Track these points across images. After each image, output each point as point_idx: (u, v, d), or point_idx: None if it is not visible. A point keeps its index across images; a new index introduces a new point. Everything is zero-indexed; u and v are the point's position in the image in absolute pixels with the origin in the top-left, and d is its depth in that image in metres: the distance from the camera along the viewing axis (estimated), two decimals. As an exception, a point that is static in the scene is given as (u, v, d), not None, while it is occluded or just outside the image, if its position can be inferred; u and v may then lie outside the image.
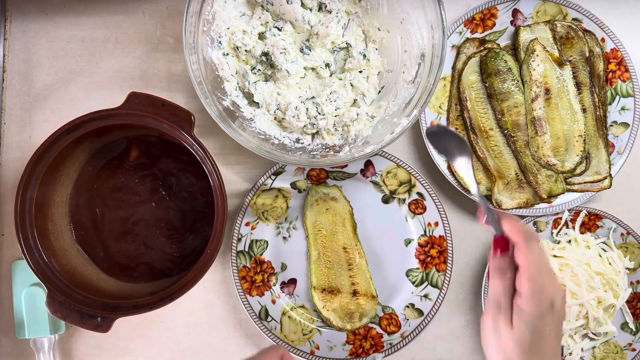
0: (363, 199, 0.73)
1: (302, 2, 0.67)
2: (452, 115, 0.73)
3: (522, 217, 0.72)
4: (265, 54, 0.68)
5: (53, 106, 0.74)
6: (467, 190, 0.71)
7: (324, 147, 0.69)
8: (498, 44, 0.74)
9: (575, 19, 0.74)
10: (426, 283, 0.72)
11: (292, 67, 0.67)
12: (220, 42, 0.66)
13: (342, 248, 0.72)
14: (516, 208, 0.72)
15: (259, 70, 0.68)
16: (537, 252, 0.47)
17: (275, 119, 0.70)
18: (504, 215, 0.50)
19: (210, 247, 0.61)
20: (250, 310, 0.70)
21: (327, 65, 0.70)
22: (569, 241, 0.73)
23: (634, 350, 0.72)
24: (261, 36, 0.68)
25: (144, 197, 0.70)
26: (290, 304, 0.73)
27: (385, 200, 0.74)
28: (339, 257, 0.72)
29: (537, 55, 0.71)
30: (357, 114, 0.69)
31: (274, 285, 0.72)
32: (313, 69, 0.70)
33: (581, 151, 0.70)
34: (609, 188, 0.72)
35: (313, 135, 0.70)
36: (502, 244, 0.50)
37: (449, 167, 0.72)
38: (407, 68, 0.67)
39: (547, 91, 0.71)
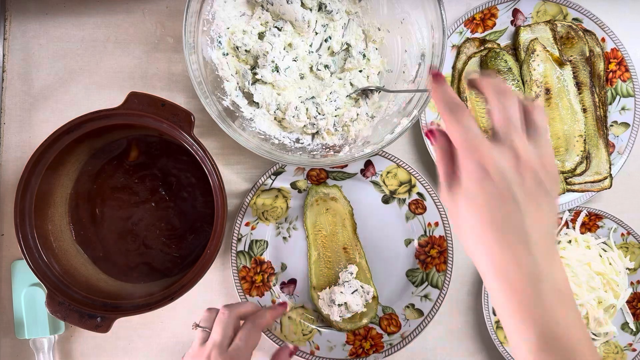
0: (363, 199, 0.73)
1: (302, 2, 0.67)
2: (452, 115, 0.73)
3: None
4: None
5: (53, 106, 0.74)
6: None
7: (324, 147, 0.68)
8: (498, 44, 0.74)
9: (575, 19, 0.74)
10: (426, 283, 0.72)
11: (273, 76, 0.67)
12: (220, 42, 0.66)
13: (342, 248, 0.72)
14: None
15: (255, 72, 0.68)
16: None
17: (275, 119, 0.69)
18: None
19: (210, 247, 0.61)
20: (250, 311, 0.70)
21: (327, 66, 0.70)
22: (570, 241, 0.73)
23: (634, 350, 0.72)
24: (261, 36, 0.68)
25: (143, 197, 0.70)
26: (290, 304, 0.72)
27: (386, 200, 0.74)
28: (339, 257, 0.72)
29: (538, 55, 0.71)
30: (357, 114, 0.68)
31: (274, 285, 0.72)
32: (311, 69, 0.70)
33: (581, 151, 0.70)
34: (609, 188, 0.72)
35: (313, 135, 0.70)
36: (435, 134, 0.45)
37: (449, 167, 0.72)
38: (407, 68, 0.67)
39: (548, 91, 0.71)
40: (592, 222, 0.73)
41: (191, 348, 0.60)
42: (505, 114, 0.41)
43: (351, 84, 0.70)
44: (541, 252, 0.39)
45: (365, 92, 0.70)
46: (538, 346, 0.39)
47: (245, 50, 0.67)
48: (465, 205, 0.41)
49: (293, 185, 0.73)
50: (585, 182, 0.72)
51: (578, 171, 0.71)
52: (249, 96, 0.69)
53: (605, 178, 0.72)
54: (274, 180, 0.72)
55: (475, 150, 0.40)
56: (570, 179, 0.72)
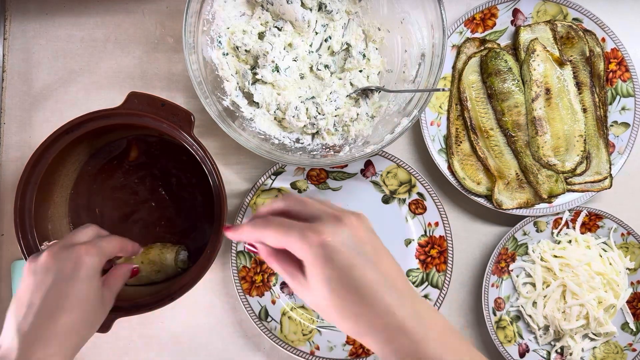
0: (363, 199, 0.73)
1: (302, 2, 0.67)
2: (453, 115, 0.73)
3: (522, 217, 0.72)
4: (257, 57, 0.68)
5: (53, 106, 0.74)
6: (468, 190, 0.71)
7: (324, 147, 0.68)
8: (498, 44, 0.74)
9: (575, 19, 0.74)
10: (426, 283, 0.72)
11: (273, 76, 0.67)
12: (220, 42, 0.66)
13: None
14: (516, 208, 0.71)
15: (255, 72, 0.68)
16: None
17: (275, 119, 0.69)
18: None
19: (210, 247, 0.61)
20: (250, 311, 0.70)
21: (327, 66, 0.70)
22: (570, 241, 0.73)
23: (634, 350, 0.72)
24: (261, 36, 0.68)
25: (143, 197, 0.70)
26: (290, 304, 0.72)
27: (386, 200, 0.74)
28: None
29: (538, 55, 0.71)
30: (357, 114, 0.68)
31: (274, 285, 0.72)
32: (311, 69, 0.70)
33: (582, 151, 0.70)
34: (609, 188, 0.72)
35: (313, 135, 0.70)
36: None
37: (449, 167, 0.72)
38: (407, 68, 0.67)
39: (548, 91, 0.71)
40: (592, 222, 0.73)
41: None
42: (313, 206, 0.44)
43: (351, 84, 0.70)
44: (391, 300, 0.41)
45: (365, 92, 0.70)
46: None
47: (245, 50, 0.67)
48: (316, 285, 0.41)
49: (293, 185, 0.73)
50: (585, 182, 0.72)
51: (578, 171, 0.71)
52: (249, 96, 0.69)
53: (605, 178, 0.72)
54: (274, 180, 0.72)
55: (309, 232, 0.41)
56: (570, 179, 0.72)
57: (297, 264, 0.44)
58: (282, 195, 0.47)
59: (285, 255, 0.44)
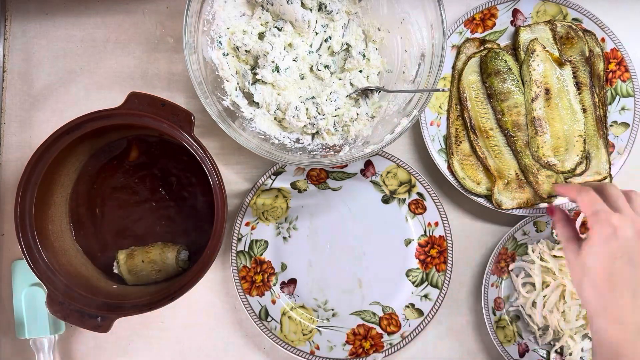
0: (363, 199, 0.73)
1: (302, 2, 0.67)
2: (452, 115, 0.73)
3: (522, 217, 0.72)
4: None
5: (53, 106, 0.74)
6: (467, 190, 0.71)
7: (324, 147, 0.69)
8: (498, 44, 0.74)
9: (575, 19, 0.74)
10: (426, 283, 0.72)
11: (274, 76, 0.67)
12: (220, 42, 0.66)
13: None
14: (516, 208, 0.71)
15: (255, 72, 0.68)
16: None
17: (275, 119, 0.69)
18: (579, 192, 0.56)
19: (210, 247, 0.61)
20: (250, 310, 0.70)
21: (327, 66, 0.70)
22: (569, 241, 0.73)
23: (634, 350, 0.72)
24: (261, 36, 0.68)
25: (143, 197, 0.70)
26: (290, 304, 0.73)
27: (385, 200, 0.74)
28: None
29: (537, 55, 0.71)
30: (357, 114, 0.69)
31: (274, 285, 0.72)
32: (311, 69, 0.70)
33: (581, 151, 0.70)
34: (609, 188, 0.72)
35: (313, 135, 0.70)
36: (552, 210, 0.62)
37: (449, 167, 0.72)
38: (407, 68, 0.67)
39: (547, 91, 0.71)
40: (591, 222, 0.73)
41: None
42: (619, 202, 0.54)
43: (351, 84, 0.70)
44: None
45: (365, 92, 0.70)
46: None
47: (246, 51, 0.67)
48: (590, 258, 0.52)
49: (293, 185, 0.73)
50: (585, 182, 0.72)
51: (578, 171, 0.71)
52: (249, 96, 0.69)
53: (605, 178, 0.72)
54: (274, 180, 0.72)
55: (605, 218, 0.52)
56: (570, 179, 0.72)
57: (576, 237, 0.56)
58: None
59: (571, 225, 0.58)
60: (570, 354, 0.71)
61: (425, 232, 0.73)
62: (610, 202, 0.54)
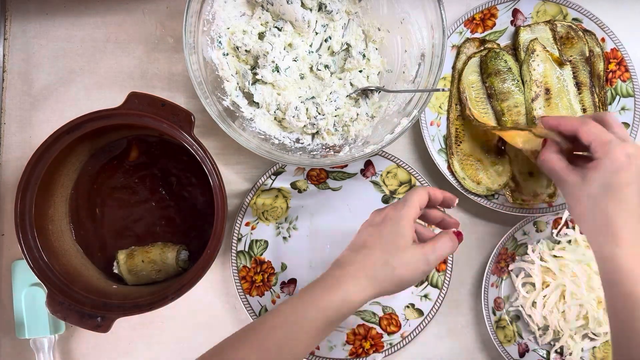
0: (363, 199, 0.73)
1: (302, 2, 0.67)
2: (452, 115, 0.73)
3: (522, 217, 0.72)
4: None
5: (53, 106, 0.74)
6: (467, 190, 0.71)
7: (324, 147, 0.69)
8: (498, 44, 0.74)
9: (575, 19, 0.74)
10: (426, 283, 0.72)
11: (274, 76, 0.67)
12: (220, 42, 0.66)
13: None
14: (517, 207, 0.72)
15: (255, 72, 0.68)
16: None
17: (275, 119, 0.70)
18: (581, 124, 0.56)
19: (210, 247, 0.61)
20: (250, 310, 0.70)
21: (327, 66, 0.70)
22: (569, 241, 0.73)
23: (634, 350, 0.72)
24: (261, 36, 0.68)
25: (143, 197, 0.70)
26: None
27: (385, 200, 0.74)
28: None
29: (537, 55, 0.71)
30: (357, 114, 0.69)
31: (274, 285, 0.72)
32: (311, 69, 0.70)
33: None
34: (609, 188, 0.72)
35: (313, 135, 0.70)
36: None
37: (449, 167, 0.72)
38: (407, 68, 0.67)
39: (547, 91, 0.71)
40: (591, 222, 0.73)
41: None
42: (622, 126, 0.56)
43: (351, 84, 0.70)
44: None
45: (365, 92, 0.70)
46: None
47: (246, 50, 0.67)
48: (601, 185, 0.52)
49: (293, 185, 0.73)
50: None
51: (578, 171, 0.71)
52: (249, 96, 0.69)
53: (605, 178, 0.72)
54: (274, 180, 0.72)
55: (618, 146, 0.52)
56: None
57: (569, 165, 0.56)
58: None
59: (561, 158, 0.57)
60: (570, 354, 0.71)
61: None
62: (613, 131, 0.54)
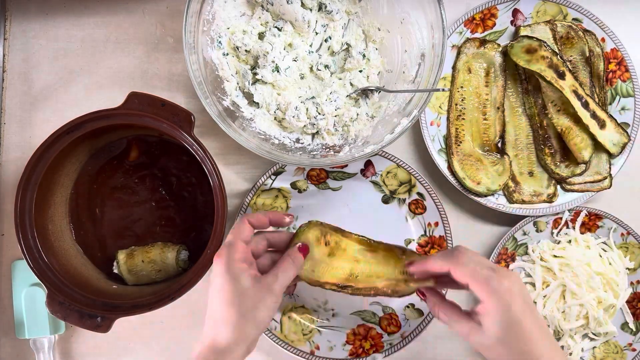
0: (363, 199, 0.73)
1: (302, 2, 0.67)
2: (452, 115, 0.73)
3: (522, 217, 0.72)
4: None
5: (53, 106, 0.74)
6: (468, 190, 0.71)
7: (324, 147, 0.69)
8: (498, 44, 0.74)
9: (575, 19, 0.74)
10: (426, 283, 0.72)
11: (273, 76, 0.67)
12: (220, 42, 0.66)
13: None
14: (517, 207, 0.72)
15: (255, 72, 0.68)
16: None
17: (275, 119, 0.70)
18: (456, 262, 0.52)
19: (210, 247, 0.61)
20: (250, 310, 0.70)
21: (327, 66, 0.70)
22: (569, 241, 0.73)
23: (634, 350, 0.72)
24: (261, 36, 0.68)
25: (143, 197, 0.70)
26: (290, 304, 0.72)
27: (385, 200, 0.74)
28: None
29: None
30: (357, 114, 0.69)
31: (274, 285, 0.72)
32: (311, 69, 0.70)
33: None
34: (609, 188, 0.72)
35: (313, 135, 0.70)
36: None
37: (449, 167, 0.72)
38: (407, 68, 0.67)
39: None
40: (592, 222, 0.73)
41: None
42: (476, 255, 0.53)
43: (351, 84, 0.70)
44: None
45: (365, 92, 0.70)
46: None
47: (246, 50, 0.67)
48: (501, 327, 0.49)
49: (293, 185, 0.73)
50: (585, 182, 0.72)
51: (578, 171, 0.71)
52: (249, 96, 0.69)
53: (605, 178, 0.72)
54: (274, 180, 0.72)
55: (497, 284, 0.49)
56: (570, 179, 0.72)
57: (462, 312, 0.53)
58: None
59: (451, 306, 0.54)
60: (571, 354, 0.71)
61: (425, 232, 0.73)
62: (473, 261, 0.52)
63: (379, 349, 0.71)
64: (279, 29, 0.67)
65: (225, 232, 0.63)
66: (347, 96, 0.69)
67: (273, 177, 0.72)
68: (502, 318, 0.49)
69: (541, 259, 0.72)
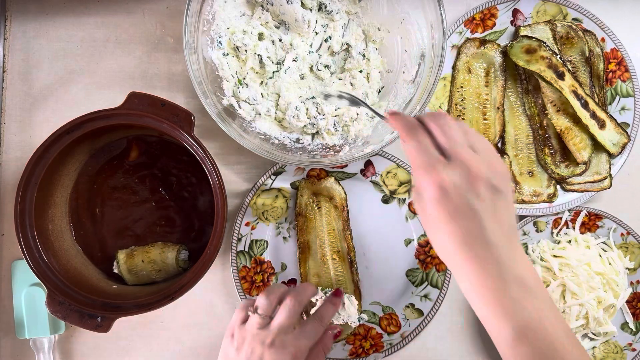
0: (363, 199, 0.73)
1: (302, 2, 0.67)
2: (452, 115, 0.73)
3: (522, 217, 0.72)
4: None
5: (53, 106, 0.74)
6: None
7: (324, 147, 0.69)
8: (498, 44, 0.74)
9: (575, 19, 0.74)
10: (426, 283, 0.72)
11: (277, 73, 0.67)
12: (220, 42, 0.66)
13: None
14: (517, 207, 0.72)
15: (256, 72, 0.68)
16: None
17: (275, 119, 0.70)
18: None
19: (210, 247, 0.61)
20: (250, 310, 0.70)
21: (327, 66, 0.70)
22: (569, 241, 0.73)
23: (634, 350, 0.72)
24: (261, 36, 0.68)
25: (143, 197, 0.70)
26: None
27: (385, 200, 0.74)
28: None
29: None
30: (357, 114, 0.69)
31: (274, 285, 0.72)
32: (311, 69, 0.70)
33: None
34: (609, 188, 0.72)
35: (313, 135, 0.70)
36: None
37: (449, 167, 0.72)
38: (407, 68, 0.67)
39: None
40: (591, 222, 0.73)
41: (232, 330, 0.56)
42: (447, 134, 0.45)
43: (351, 84, 0.70)
44: (503, 252, 0.43)
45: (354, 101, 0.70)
46: (514, 337, 0.41)
47: (246, 50, 0.67)
48: (430, 221, 0.45)
49: (293, 185, 0.73)
50: (585, 182, 0.72)
51: (578, 171, 0.71)
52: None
53: (605, 178, 0.72)
54: (274, 180, 0.72)
55: (432, 169, 0.43)
56: (570, 179, 0.72)
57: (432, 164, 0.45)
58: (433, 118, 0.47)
59: (426, 149, 0.46)
60: (570, 354, 0.71)
61: (425, 232, 0.73)
62: (447, 142, 0.45)
63: (379, 348, 0.71)
64: (280, 40, 0.68)
65: (225, 232, 0.63)
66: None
67: (273, 177, 0.72)
68: (435, 212, 0.44)
69: (541, 259, 0.72)
